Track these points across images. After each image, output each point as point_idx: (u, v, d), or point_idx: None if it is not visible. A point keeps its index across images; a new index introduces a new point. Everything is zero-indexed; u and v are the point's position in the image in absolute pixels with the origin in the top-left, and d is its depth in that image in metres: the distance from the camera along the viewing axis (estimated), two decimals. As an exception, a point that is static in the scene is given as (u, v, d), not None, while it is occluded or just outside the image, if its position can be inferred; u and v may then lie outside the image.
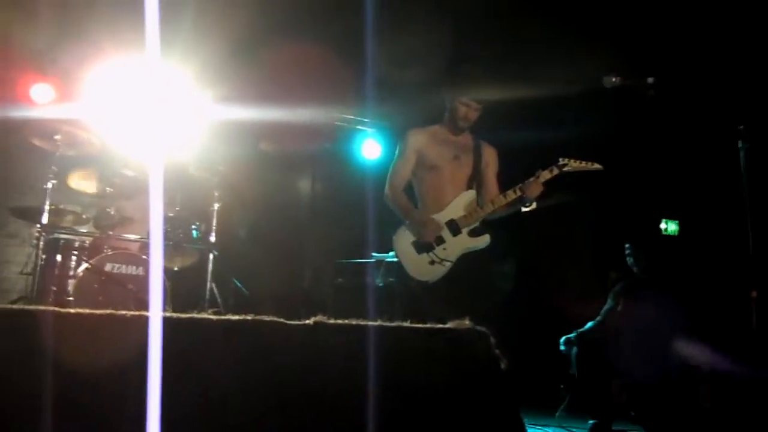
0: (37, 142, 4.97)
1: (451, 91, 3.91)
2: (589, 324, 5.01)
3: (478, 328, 1.81)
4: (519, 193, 3.77)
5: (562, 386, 5.48)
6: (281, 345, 1.62)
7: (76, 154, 5.11)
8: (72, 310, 1.78)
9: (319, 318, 1.67)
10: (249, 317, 1.63)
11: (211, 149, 5.69)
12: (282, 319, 1.64)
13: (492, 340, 1.79)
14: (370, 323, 1.71)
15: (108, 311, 1.70)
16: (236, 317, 1.63)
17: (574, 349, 4.93)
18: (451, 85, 3.97)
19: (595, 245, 6.37)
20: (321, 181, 6.89)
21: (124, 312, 1.64)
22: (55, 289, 4.81)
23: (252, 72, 5.75)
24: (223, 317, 1.66)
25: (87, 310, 1.70)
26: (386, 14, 4.87)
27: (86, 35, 5.56)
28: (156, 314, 1.61)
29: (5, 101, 5.54)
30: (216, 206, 5.31)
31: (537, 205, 3.89)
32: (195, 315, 1.66)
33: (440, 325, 1.79)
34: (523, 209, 3.88)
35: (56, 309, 1.75)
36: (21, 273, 5.37)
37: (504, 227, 3.96)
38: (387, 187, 3.94)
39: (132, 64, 5.69)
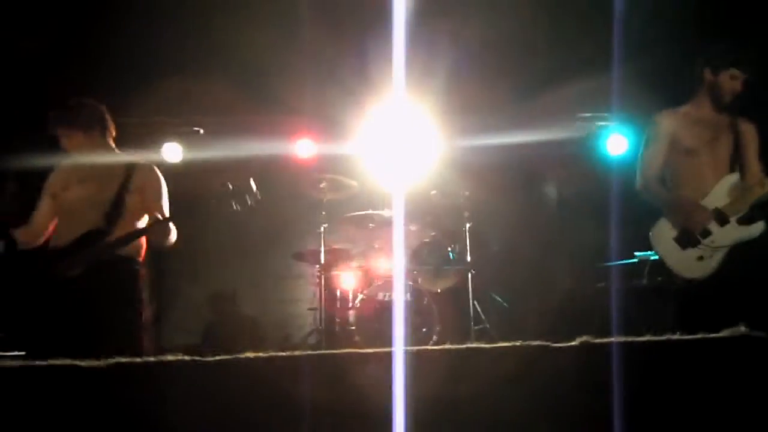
0: (307, 191, 5.64)
1: (712, 65, 3.62)
2: None
3: (755, 333, 1.68)
4: (789, 175, 3.40)
5: None
6: (546, 369, 1.67)
7: (340, 197, 5.70)
8: (318, 352, 1.97)
9: (585, 339, 1.68)
10: (518, 343, 1.70)
11: (455, 174, 5.95)
12: (548, 343, 1.69)
13: (772, 347, 1.65)
14: (633, 339, 1.69)
15: (349, 350, 1.87)
16: (504, 344, 1.72)
17: None
18: (712, 58, 3.66)
19: None
20: (567, 185, 6.77)
21: (362, 350, 1.79)
22: (338, 320, 5.38)
23: (492, 95, 5.82)
24: (488, 345, 1.75)
25: (332, 351, 1.86)
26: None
27: (341, 88, 6.05)
28: (399, 349, 1.74)
29: (278, 159, 6.32)
30: (467, 226, 5.54)
31: None
32: (441, 347, 1.77)
33: (709, 335, 1.71)
34: None
35: (300, 353, 1.90)
36: (309, 309, 6.16)
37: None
38: (639, 178, 3.70)
39: (381, 108, 6.08)
